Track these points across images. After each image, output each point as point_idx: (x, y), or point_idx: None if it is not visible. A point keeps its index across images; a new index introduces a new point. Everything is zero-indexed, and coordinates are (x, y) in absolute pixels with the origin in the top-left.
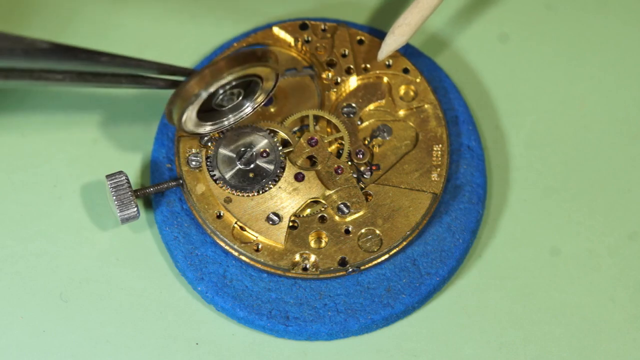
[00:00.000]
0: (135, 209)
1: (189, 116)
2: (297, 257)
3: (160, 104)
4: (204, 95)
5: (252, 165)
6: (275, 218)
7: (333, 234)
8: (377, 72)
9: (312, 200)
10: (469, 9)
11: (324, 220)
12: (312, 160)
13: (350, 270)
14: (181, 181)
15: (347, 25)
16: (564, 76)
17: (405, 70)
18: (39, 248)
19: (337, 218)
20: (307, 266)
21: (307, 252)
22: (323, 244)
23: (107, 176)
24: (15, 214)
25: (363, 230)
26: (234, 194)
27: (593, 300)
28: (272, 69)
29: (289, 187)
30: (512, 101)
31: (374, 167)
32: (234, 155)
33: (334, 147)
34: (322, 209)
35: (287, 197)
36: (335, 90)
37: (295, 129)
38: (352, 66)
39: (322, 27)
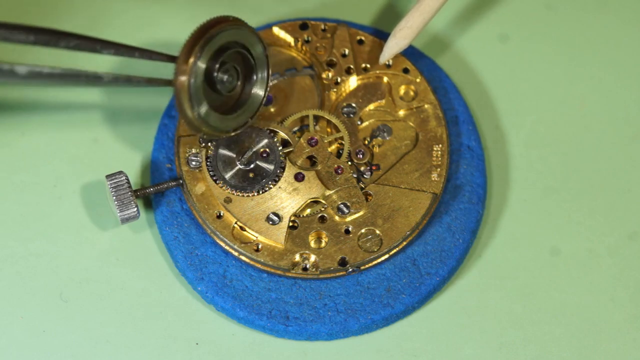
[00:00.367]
0: (135, 209)
1: (206, 110)
2: (297, 257)
3: (160, 103)
4: (196, 72)
5: (252, 165)
6: (275, 218)
7: (333, 234)
8: (377, 72)
9: (312, 200)
10: (470, 9)
11: (324, 220)
12: (312, 160)
13: (350, 270)
14: (181, 181)
15: (347, 25)
16: (564, 76)
17: (405, 70)
18: (39, 248)
19: (337, 218)
20: (307, 266)
21: (307, 252)
22: (323, 244)
23: (107, 176)
24: (16, 214)
25: (363, 230)
26: (234, 194)
27: (593, 300)
28: (240, 26)
29: (289, 187)
30: (512, 101)
31: (374, 167)
32: (234, 155)
33: (334, 147)
34: (322, 209)
35: (287, 197)
36: (335, 90)
37: (295, 129)
38: (352, 66)
39: (322, 27)
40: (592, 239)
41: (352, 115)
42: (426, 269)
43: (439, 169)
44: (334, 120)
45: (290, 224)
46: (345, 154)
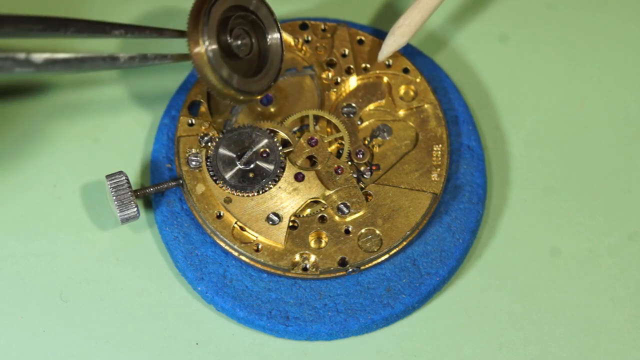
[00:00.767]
0: (135, 209)
1: (229, 74)
2: (297, 257)
3: (160, 103)
4: (209, 39)
5: (252, 165)
6: (275, 218)
7: (333, 234)
8: (377, 72)
9: (312, 200)
10: (469, 8)
11: (324, 220)
12: (312, 160)
13: (350, 270)
14: (181, 181)
15: (347, 25)
16: (564, 76)
17: (405, 70)
18: (39, 248)
19: (337, 218)
20: (307, 266)
21: (307, 252)
22: (323, 244)
23: (107, 176)
24: (16, 214)
25: (363, 230)
26: (234, 194)
27: (593, 300)
28: None
29: (289, 187)
30: (512, 101)
31: (374, 167)
32: (234, 155)
33: (334, 147)
34: (322, 209)
35: (287, 197)
36: (335, 90)
37: (295, 129)
38: (352, 66)
39: (322, 27)
40: (592, 239)
41: (352, 115)
42: (426, 269)
43: (439, 169)
44: (334, 120)
45: (290, 224)
46: (345, 154)
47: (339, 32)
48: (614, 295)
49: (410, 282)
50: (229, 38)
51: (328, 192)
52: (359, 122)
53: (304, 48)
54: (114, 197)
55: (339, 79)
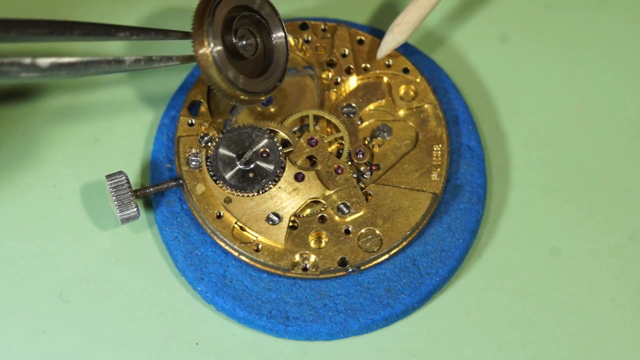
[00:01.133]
0: (135, 209)
1: (235, 74)
2: (297, 257)
3: (160, 103)
4: (214, 40)
5: (252, 165)
6: (275, 218)
7: (333, 234)
8: (377, 72)
9: (312, 200)
10: (469, 8)
11: (324, 220)
12: (312, 160)
13: (350, 270)
14: (181, 181)
15: (347, 25)
16: (564, 76)
17: (405, 70)
18: (39, 248)
19: (337, 218)
20: (307, 266)
21: (307, 252)
22: (323, 244)
23: (107, 176)
24: (15, 214)
25: (363, 230)
26: (234, 194)
27: (593, 300)
28: None
29: (289, 187)
30: (512, 101)
31: (374, 167)
32: (234, 155)
33: (334, 147)
34: (322, 209)
35: (287, 197)
36: (335, 90)
37: (295, 129)
38: (352, 66)
39: (322, 27)
40: (592, 239)
41: (352, 115)
42: (426, 269)
43: (439, 169)
44: (334, 120)
45: (290, 224)
46: (345, 154)
47: (339, 32)
48: (614, 295)
49: (410, 282)
50: (234, 38)
51: (328, 192)
52: (359, 122)
53: (304, 48)
54: (114, 197)
55: (339, 79)
